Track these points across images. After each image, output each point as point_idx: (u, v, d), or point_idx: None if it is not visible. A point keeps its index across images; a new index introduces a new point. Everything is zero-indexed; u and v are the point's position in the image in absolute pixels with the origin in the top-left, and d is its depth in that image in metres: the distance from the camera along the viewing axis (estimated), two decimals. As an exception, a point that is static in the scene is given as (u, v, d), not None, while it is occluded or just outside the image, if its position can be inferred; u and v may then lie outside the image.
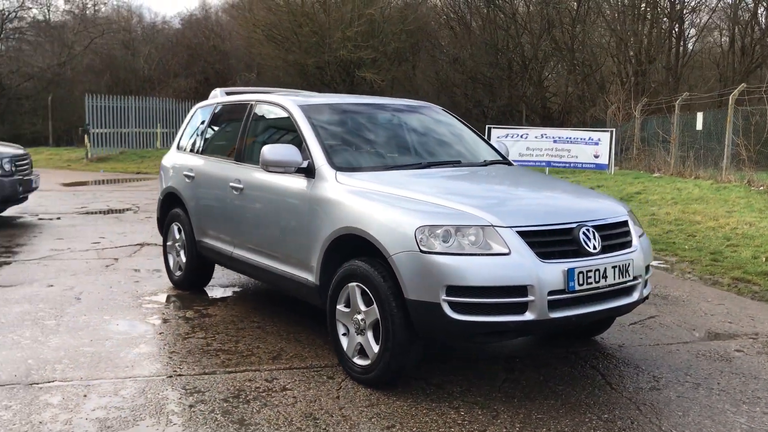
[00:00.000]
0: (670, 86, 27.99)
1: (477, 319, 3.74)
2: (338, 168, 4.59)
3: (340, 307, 4.28)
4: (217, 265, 6.38)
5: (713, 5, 30.63)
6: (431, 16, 32.42)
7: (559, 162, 18.61)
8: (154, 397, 3.93)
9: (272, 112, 5.41)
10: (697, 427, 3.65)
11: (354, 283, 4.14)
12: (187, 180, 6.15)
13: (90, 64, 29.06)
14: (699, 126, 18.89)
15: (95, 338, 4.97)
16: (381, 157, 4.96)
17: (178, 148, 6.66)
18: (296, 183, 4.75)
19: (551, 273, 3.77)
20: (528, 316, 3.75)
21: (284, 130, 5.20)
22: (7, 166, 9.91)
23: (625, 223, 4.30)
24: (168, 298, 6.15)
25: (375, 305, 4.00)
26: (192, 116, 6.66)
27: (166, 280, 6.66)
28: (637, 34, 28.47)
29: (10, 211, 11.35)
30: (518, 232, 3.83)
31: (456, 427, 3.63)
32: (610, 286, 3.98)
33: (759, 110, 16.53)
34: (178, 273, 6.40)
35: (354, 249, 4.23)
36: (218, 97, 6.45)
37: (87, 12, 35.44)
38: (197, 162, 6.11)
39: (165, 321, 5.43)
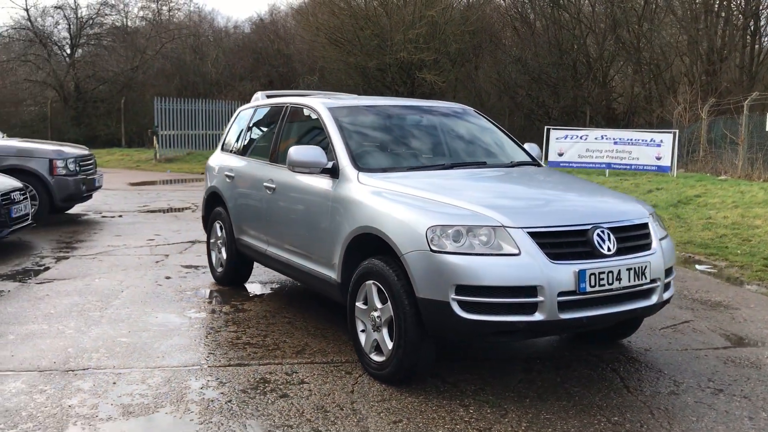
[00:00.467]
0: (744, 86, 26.99)
1: (486, 318, 3.78)
2: (361, 169, 4.71)
3: (359, 304, 4.39)
4: (257, 263, 6.58)
5: (791, 1, 29.37)
6: (495, 17, 32.22)
7: (620, 164, 18.26)
8: (178, 386, 4.13)
9: (304, 115, 5.56)
10: (706, 431, 3.60)
11: (371, 281, 4.24)
12: (227, 180, 6.38)
13: (161, 68, 30.10)
14: (768, 127, 18.20)
15: (133, 330, 5.22)
16: (405, 158, 5.05)
17: (222, 149, 6.90)
18: (322, 183, 4.88)
19: (562, 274, 3.78)
20: (537, 316, 3.77)
21: (315, 131, 5.34)
22: (71, 166, 10.42)
23: (644, 226, 4.26)
24: (208, 293, 6.39)
25: (389, 303, 4.09)
26: (235, 118, 6.89)
27: (209, 277, 6.91)
28: (709, 32, 27.58)
29: (76, 209, 11.93)
30: (529, 232, 3.85)
31: (462, 423, 3.68)
32: (624, 288, 3.95)
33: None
34: (220, 269, 6.64)
35: (372, 248, 4.32)
36: (259, 100, 6.66)
37: (162, 18, 36.80)
38: (237, 163, 6.33)
39: (201, 315, 5.65)
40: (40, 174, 10.14)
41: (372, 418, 3.72)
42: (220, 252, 6.62)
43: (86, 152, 11.37)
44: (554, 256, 3.83)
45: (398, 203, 4.20)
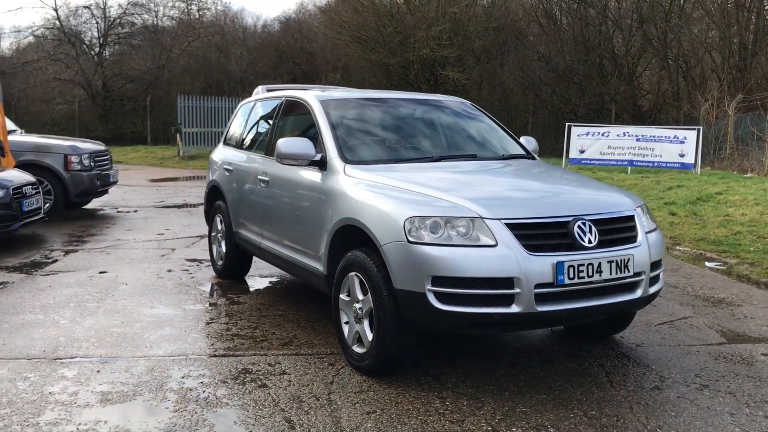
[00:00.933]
0: (775, 82, 26.43)
1: (462, 309, 3.75)
2: (348, 161, 4.70)
3: (343, 296, 4.38)
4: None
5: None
6: (520, 14, 31.97)
7: (642, 161, 18.01)
8: (160, 375, 4.16)
9: (298, 108, 5.57)
10: (685, 427, 3.54)
11: (353, 273, 4.23)
12: (226, 173, 6.42)
13: (186, 66, 30.42)
14: (796, 124, 17.80)
15: (126, 320, 5.28)
16: (393, 150, 5.03)
17: (224, 143, 6.95)
18: (311, 176, 4.89)
19: (539, 266, 3.74)
20: (514, 308, 3.74)
21: (308, 124, 5.34)
22: (86, 162, 10.58)
23: (629, 218, 4.18)
24: (207, 286, 6.43)
25: (370, 294, 4.08)
26: (236, 112, 6.93)
27: (211, 270, 6.97)
28: (740, 27, 27.04)
29: (93, 204, 12.11)
30: (506, 224, 3.81)
31: (436, 415, 3.66)
32: (606, 281, 3.89)
33: None
34: (220, 263, 6.69)
35: (356, 240, 4.32)
36: (259, 94, 6.68)
37: (191, 17, 37.19)
38: (235, 156, 6.37)
39: (196, 307, 5.69)
40: (55, 169, 10.31)
41: (346, 409, 3.71)
42: (220, 245, 6.67)
43: (102, 148, 11.54)
44: (532, 247, 3.78)
45: (379, 195, 4.19)
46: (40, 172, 10.23)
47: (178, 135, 23.92)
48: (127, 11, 32.45)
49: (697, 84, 27.68)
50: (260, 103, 6.38)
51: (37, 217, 8.68)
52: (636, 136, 18.20)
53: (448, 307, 3.75)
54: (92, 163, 10.71)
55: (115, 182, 11.68)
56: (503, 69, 30.73)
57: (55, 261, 7.47)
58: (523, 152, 5.45)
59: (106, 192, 11.73)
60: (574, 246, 3.87)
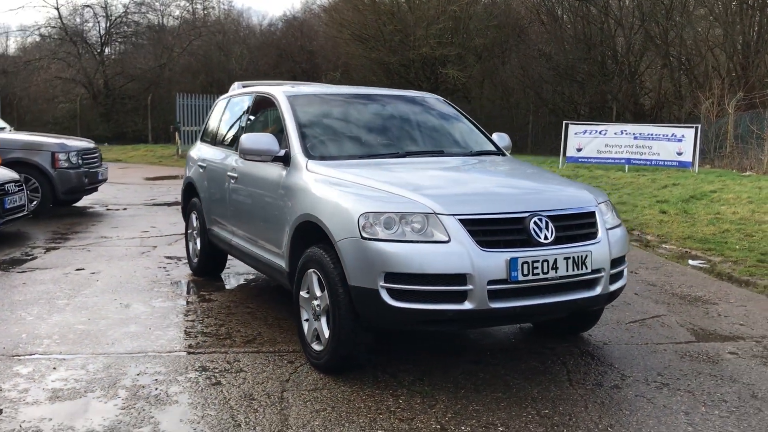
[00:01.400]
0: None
1: (415, 306, 3.70)
2: (312, 157, 4.66)
3: (303, 293, 4.34)
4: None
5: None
6: (522, 12, 31.86)
7: (639, 159, 17.89)
8: (115, 372, 4.13)
9: (267, 104, 5.52)
10: (637, 426, 3.48)
11: (312, 270, 4.19)
12: (200, 170, 6.39)
13: (187, 65, 30.45)
14: (794, 122, 17.66)
15: (93, 317, 5.25)
16: (358, 146, 4.97)
17: (201, 139, 6.92)
18: (275, 171, 4.85)
19: (492, 262, 3.69)
20: (467, 305, 3.69)
21: (276, 120, 5.31)
22: (74, 159, 10.57)
23: (589, 215, 4.12)
24: (181, 283, 6.40)
25: (326, 291, 4.04)
26: (212, 109, 6.90)
27: (187, 267, 6.94)
28: (743, 25, 26.84)
29: (83, 202, 12.10)
30: (460, 220, 3.76)
31: (386, 413, 3.61)
32: (562, 278, 3.84)
33: None
34: (195, 260, 6.66)
35: (316, 236, 4.27)
36: (235, 89, 6.65)
37: (196, 16, 37.25)
38: (209, 153, 6.34)
39: (166, 304, 5.66)
40: (43, 167, 10.30)
41: (296, 407, 3.67)
42: (195, 243, 6.64)
43: (91, 146, 11.53)
44: (486, 243, 3.73)
45: (337, 191, 4.15)
46: (28, 169, 10.23)
47: (176, 133, 23.94)
48: (129, 10, 32.51)
49: (699, 82, 27.52)
50: (234, 100, 6.35)
51: (20, 215, 8.67)
52: (633, 134, 18.08)
53: (400, 303, 3.71)
54: (80, 161, 10.70)
55: (104, 180, 11.67)
56: (504, 67, 30.65)
57: (35, 258, 7.45)
58: (493, 148, 5.40)
59: (95, 190, 11.72)
60: (530, 242, 3.81)
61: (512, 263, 3.71)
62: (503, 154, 5.37)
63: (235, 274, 6.78)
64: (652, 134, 18.02)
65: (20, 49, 36.33)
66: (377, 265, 3.72)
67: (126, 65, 31.74)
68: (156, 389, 3.88)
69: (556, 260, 3.81)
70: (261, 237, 5.09)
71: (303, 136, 4.82)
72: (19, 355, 4.42)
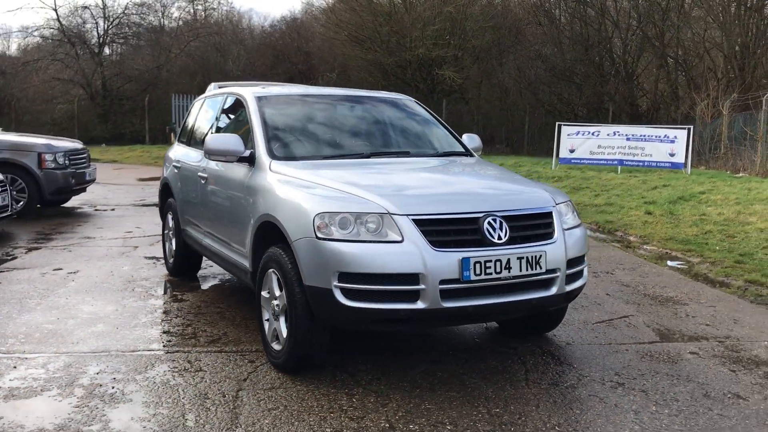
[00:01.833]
0: (774, 81, 26.20)
1: (368, 306, 3.73)
2: (276, 157, 4.69)
3: (264, 292, 4.37)
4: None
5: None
6: (520, 13, 31.85)
7: (632, 160, 17.89)
8: (75, 371, 4.16)
9: (238, 105, 5.55)
10: (585, 425, 3.50)
11: (271, 270, 4.22)
12: (175, 170, 6.43)
13: (184, 66, 30.51)
14: (786, 123, 17.64)
15: (62, 317, 5.28)
16: (323, 147, 5.00)
17: (178, 140, 6.95)
18: (241, 172, 4.88)
19: (444, 262, 3.71)
20: (420, 304, 3.71)
21: (245, 120, 5.33)
22: (60, 160, 10.61)
23: (546, 215, 4.14)
24: (156, 283, 6.43)
25: (284, 291, 4.06)
26: (189, 110, 6.93)
27: (164, 268, 6.96)
28: (741, 25, 26.80)
29: (72, 202, 12.15)
30: (414, 220, 3.79)
31: (338, 412, 3.64)
32: (515, 277, 3.86)
33: None
34: (171, 260, 6.69)
35: (277, 236, 4.29)
36: (212, 90, 6.68)
37: (197, 17, 37.34)
38: (183, 153, 6.38)
39: (137, 304, 5.69)
40: (29, 167, 10.34)
41: (249, 406, 3.70)
42: (171, 243, 6.67)
43: (79, 147, 11.58)
44: (439, 243, 3.76)
45: (295, 191, 4.17)
46: (15, 170, 10.29)
47: (172, 134, 23.99)
48: (126, 11, 32.61)
49: (696, 83, 27.50)
50: (208, 101, 6.38)
51: (4, 215, 8.71)
52: (626, 135, 18.09)
53: (354, 303, 3.73)
54: (67, 162, 10.73)
55: (92, 180, 11.71)
56: (502, 68, 30.63)
57: (14, 258, 7.49)
58: (462, 150, 5.41)
59: (83, 190, 11.77)
60: (484, 242, 3.84)
61: (464, 263, 3.73)
62: (471, 155, 5.39)
63: (211, 274, 6.81)
64: (644, 135, 18.02)
65: (21, 50, 36.45)
66: (331, 265, 3.75)
67: (124, 66, 31.81)
68: (113, 388, 3.91)
69: (509, 260, 3.83)
70: (228, 237, 5.12)
71: (268, 137, 4.85)
72: (-18, 354, 4.45)
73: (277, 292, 4.17)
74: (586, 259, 4.44)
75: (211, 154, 4.83)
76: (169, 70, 29.97)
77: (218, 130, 5.67)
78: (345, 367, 4.27)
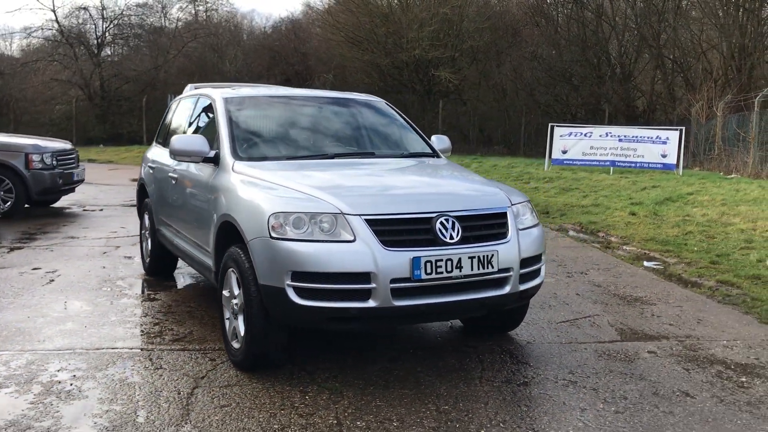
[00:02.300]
0: (770, 82, 26.19)
1: (320, 304, 3.79)
2: (239, 158, 4.74)
3: (225, 292, 4.42)
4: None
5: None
6: (518, 14, 31.89)
7: (624, 162, 17.94)
8: (36, 368, 4.22)
9: (206, 105, 5.62)
10: (530, 421, 3.55)
11: (231, 269, 4.28)
12: (150, 171, 6.49)
13: (181, 67, 30.61)
14: (778, 124, 17.67)
15: (33, 315, 5.34)
16: (287, 148, 5.05)
17: (155, 140, 7.01)
18: (206, 172, 4.94)
19: (395, 261, 3.77)
20: (371, 303, 3.77)
21: (213, 121, 5.39)
22: (48, 160, 10.68)
23: (500, 215, 4.19)
24: (131, 283, 6.49)
25: (242, 290, 4.12)
26: (166, 111, 7.00)
27: (142, 267, 7.03)
28: (740, 26, 26.79)
29: (61, 202, 12.23)
30: (366, 220, 3.84)
31: (288, 409, 3.69)
32: (467, 276, 3.91)
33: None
34: (147, 260, 6.75)
35: (237, 236, 4.35)
36: (187, 91, 6.74)
37: (198, 18, 37.43)
38: (158, 154, 6.44)
39: (109, 303, 5.75)
40: (16, 168, 10.42)
41: (202, 403, 3.75)
42: (147, 242, 6.74)
43: (68, 147, 11.65)
44: (391, 243, 3.81)
45: (253, 191, 4.23)
46: (2, 170, 10.37)
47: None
48: (125, 12, 32.73)
49: (692, 84, 27.50)
50: (183, 102, 6.44)
51: (-12, 215, 8.78)
52: (618, 136, 18.13)
53: (306, 302, 3.79)
54: (54, 162, 10.80)
55: (80, 181, 11.77)
56: (499, 69, 30.67)
57: (-4, 258, 7.56)
58: (429, 151, 5.47)
59: (72, 190, 11.84)
60: (436, 242, 3.89)
61: (415, 262, 3.78)
62: (438, 156, 5.44)
63: (188, 274, 6.86)
64: (636, 136, 18.06)
65: (23, 51, 36.57)
66: (284, 264, 3.81)
67: (122, 67, 31.94)
68: (71, 385, 3.97)
69: (460, 259, 3.89)
70: (195, 237, 5.18)
71: (233, 138, 4.91)
72: (-52, 352, 4.51)
73: (236, 291, 4.23)
74: (543, 258, 4.49)
75: (176, 154, 4.89)
76: (166, 71, 30.07)
77: (188, 131, 5.73)
78: (304, 365, 4.33)
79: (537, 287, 4.40)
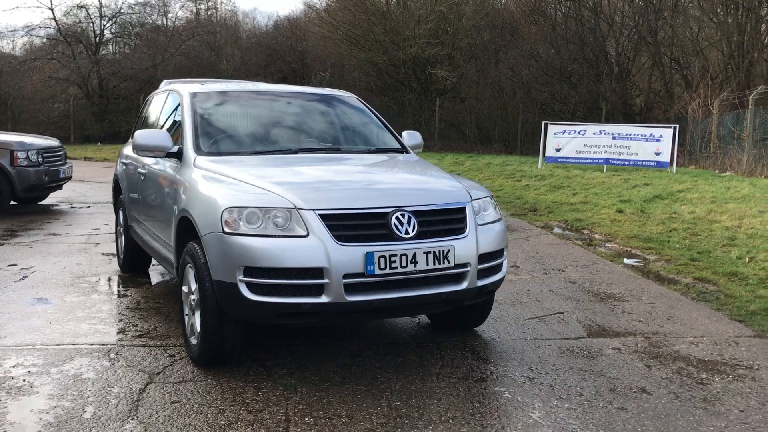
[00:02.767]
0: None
1: (272, 300, 3.76)
2: (201, 153, 4.72)
3: (184, 287, 4.39)
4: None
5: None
6: (517, 13, 31.80)
7: (618, 159, 17.87)
8: (-7, 364, 4.20)
9: (175, 100, 5.59)
10: (480, 417, 3.52)
11: (189, 264, 4.25)
12: (123, 167, 6.47)
13: (178, 65, 30.57)
14: (771, 121, 17.59)
15: (0, 311, 5.32)
16: (251, 143, 5.01)
17: (132, 136, 6.98)
18: (170, 167, 4.91)
19: (348, 256, 3.73)
20: (324, 298, 3.74)
21: (180, 116, 5.36)
22: (33, 158, 10.67)
23: (459, 210, 4.16)
24: (105, 279, 6.47)
25: (197, 286, 4.09)
26: (141, 106, 6.97)
27: (117, 264, 7.01)
28: (738, 24, 26.69)
29: (50, 199, 12.23)
30: (320, 214, 3.81)
31: (238, 405, 3.66)
32: (422, 272, 3.88)
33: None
34: (122, 256, 6.73)
35: (195, 231, 4.32)
36: (162, 87, 6.71)
37: (200, 17, 37.41)
38: (130, 150, 6.41)
39: (79, 299, 5.72)
40: (2, 165, 10.40)
41: (153, 399, 3.72)
42: (122, 238, 6.71)
43: (55, 144, 11.64)
44: (345, 238, 3.78)
45: (211, 186, 4.20)
46: (-13, 167, 10.36)
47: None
48: (123, 10, 32.70)
49: (689, 82, 27.41)
50: (156, 97, 6.42)
51: (-29, 212, 8.76)
52: (612, 134, 18.06)
53: (258, 297, 3.76)
54: (40, 159, 10.79)
55: (67, 178, 11.75)
56: (497, 67, 30.59)
57: (-27, 254, 7.54)
58: (398, 146, 5.43)
59: (59, 188, 11.82)
60: (391, 236, 3.86)
61: (369, 257, 3.75)
62: (407, 152, 5.41)
63: (163, 270, 6.84)
64: (630, 134, 17.99)
65: (25, 50, 36.58)
66: (236, 260, 3.78)
67: (120, 65, 31.92)
68: (23, 381, 3.95)
69: (415, 254, 3.85)
70: (160, 232, 5.15)
71: (196, 133, 4.88)
72: None
73: (194, 287, 4.20)
74: (505, 253, 4.46)
75: (138, 149, 4.87)
76: (164, 69, 30.03)
77: (157, 126, 5.70)
78: (264, 361, 4.30)
79: (497, 283, 4.36)
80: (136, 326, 5.01)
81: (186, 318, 4.39)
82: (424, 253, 3.88)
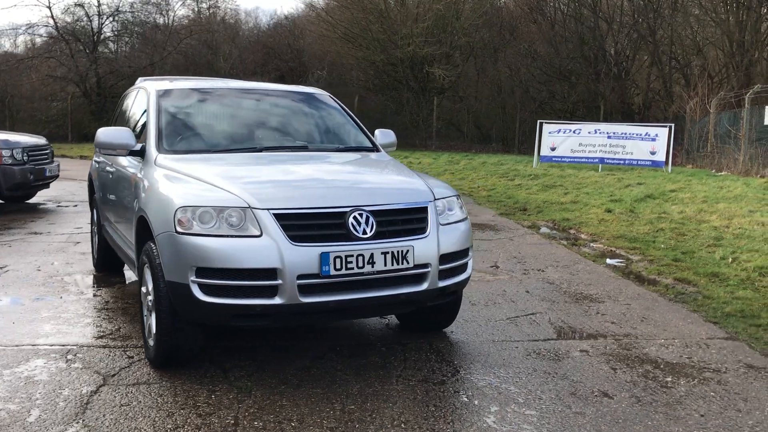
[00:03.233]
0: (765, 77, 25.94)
1: (225, 301, 3.68)
2: (164, 151, 4.64)
3: (143, 288, 4.32)
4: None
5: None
6: (516, 12, 31.69)
7: (613, 159, 17.76)
8: (-54, 365, 4.13)
9: (143, 98, 5.51)
10: (434, 421, 3.44)
11: (146, 265, 4.18)
12: (96, 165, 6.41)
13: (175, 63, 30.54)
14: (767, 121, 17.47)
15: (-36, 311, 5.26)
16: (215, 141, 4.93)
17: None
18: (133, 166, 4.85)
19: (302, 256, 3.66)
20: (277, 300, 3.67)
21: (146, 114, 5.29)
22: (18, 156, 10.62)
23: (420, 210, 4.07)
24: (78, 279, 6.40)
25: (153, 287, 4.02)
26: (117, 104, 6.90)
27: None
28: (738, 23, 26.53)
29: (38, 198, 12.19)
30: (274, 214, 3.74)
31: (188, 408, 3.59)
32: (380, 272, 3.80)
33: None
34: (96, 255, 6.66)
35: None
36: (137, 84, 6.63)
37: (201, 16, 37.33)
38: (103, 148, 6.34)
39: (47, 299, 5.65)
40: (-14, 163, 10.36)
41: (103, 402, 3.65)
42: (95, 237, 6.65)
43: (41, 142, 11.59)
44: (299, 238, 3.70)
45: (168, 184, 4.13)
46: (-28, 166, 10.32)
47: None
48: (121, 9, 32.67)
49: (687, 81, 27.26)
50: (129, 95, 6.35)
51: (-49, 210, 8.71)
52: (607, 133, 17.95)
53: (210, 298, 3.69)
54: (25, 157, 10.74)
55: (54, 176, 11.70)
56: (496, 66, 30.48)
57: (-50, 253, 7.48)
58: (369, 145, 5.34)
59: (46, 186, 11.77)
60: (348, 237, 3.78)
61: (323, 257, 3.67)
62: (377, 151, 5.32)
63: (137, 269, 6.77)
64: (625, 133, 17.88)
65: (27, 48, 36.56)
66: (188, 260, 3.70)
67: (118, 64, 31.89)
68: (-25, 382, 3.88)
69: (372, 255, 3.77)
70: (124, 231, 5.08)
71: (160, 131, 4.80)
72: None
73: (151, 287, 4.13)
74: (470, 253, 4.37)
75: (100, 147, 4.79)
76: (162, 68, 29.99)
77: (128, 123, 5.63)
78: (223, 363, 4.23)
79: (461, 284, 4.28)
80: (99, 327, 4.95)
81: (144, 319, 4.31)
82: (382, 253, 3.80)
